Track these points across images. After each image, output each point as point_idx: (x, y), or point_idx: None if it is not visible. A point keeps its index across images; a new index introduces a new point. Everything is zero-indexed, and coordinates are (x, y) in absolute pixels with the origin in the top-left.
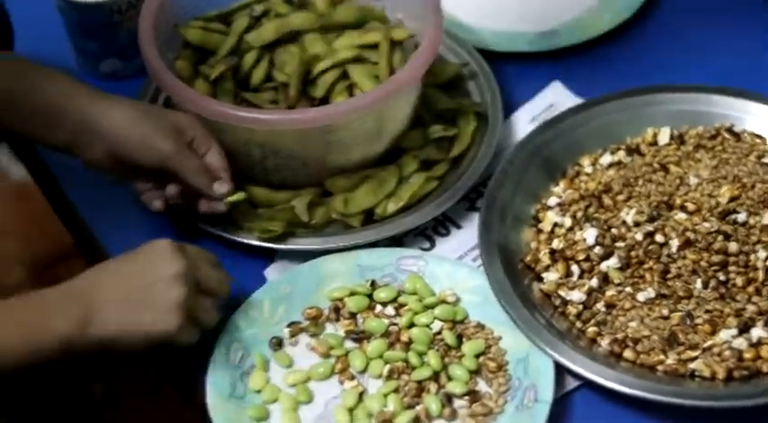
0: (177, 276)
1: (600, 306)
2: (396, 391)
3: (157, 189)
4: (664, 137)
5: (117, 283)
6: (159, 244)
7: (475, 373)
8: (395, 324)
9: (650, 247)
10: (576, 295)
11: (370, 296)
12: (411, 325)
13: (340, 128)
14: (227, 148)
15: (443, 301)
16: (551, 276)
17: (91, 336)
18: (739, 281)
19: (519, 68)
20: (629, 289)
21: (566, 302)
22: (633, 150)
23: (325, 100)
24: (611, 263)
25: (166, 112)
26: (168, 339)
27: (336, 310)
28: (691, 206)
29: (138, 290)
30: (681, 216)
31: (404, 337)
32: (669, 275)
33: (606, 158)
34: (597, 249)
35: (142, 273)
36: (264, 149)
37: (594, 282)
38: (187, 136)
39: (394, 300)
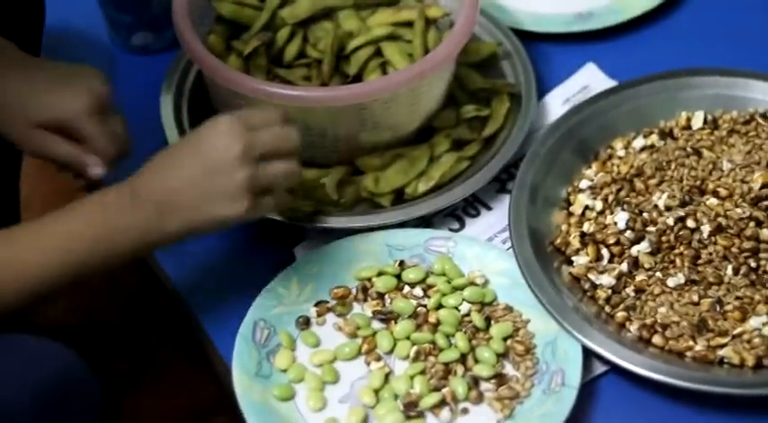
0: (239, 157)
1: (629, 291)
2: (422, 372)
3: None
4: (697, 121)
5: (180, 175)
6: (217, 124)
7: (502, 356)
8: (423, 305)
9: (681, 233)
10: (606, 279)
11: (398, 276)
12: (439, 306)
13: (373, 106)
14: None
15: (472, 283)
16: (581, 260)
17: (165, 231)
18: None
19: (554, 50)
20: (659, 274)
21: (595, 286)
22: (666, 134)
23: (358, 77)
24: (642, 247)
25: (80, 70)
26: (242, 220)
27: (364, 289)
28: (723, 191)
29: (203, 179)
30: (713, 201)
31: (431, 319)
32: (700, 261)
33: (639, 142)
34: (628, 233)
35: (204, 160)
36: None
37: (624, 266)
38: (96, 101)
39: (422, 281)
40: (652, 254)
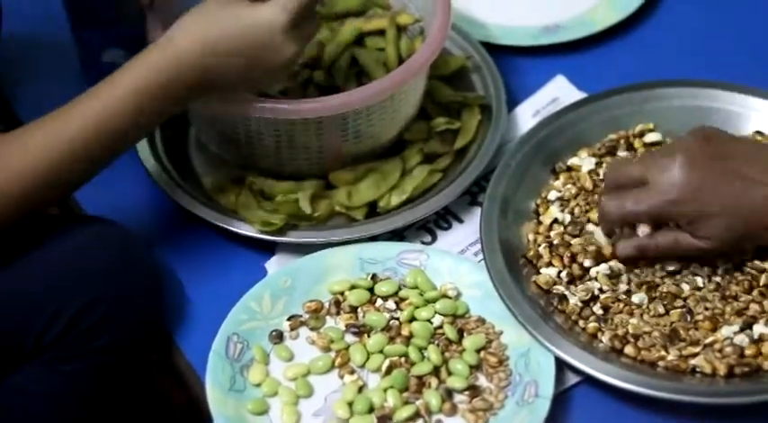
0: (287, 32)
1: (596, 309)
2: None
3: None
4: (654, 137)
5: (227, 43)
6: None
7: (475, 368)
8: (396, 318)
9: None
10: (573, 298)
11: (371, 290)
12: (412, 319)
13: (355, 115)
14: (239, 140)
15: (444, 296)
16: (550, 272)
17: (213, 84)
18: (741, 287)
19: (523, 62)
20: (622, 291)
21: (565, 298)
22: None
23: (334, 88)
24: (601, 269)
25: None
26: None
27: (337, 303)
28: None
29: (248, 50)
30: None
31: (404, 332)
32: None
33: (591, 160)
34: (592, 249)
35: (247, 32)
36: (280, 140)
37: (591, 284)
38: None
39: (395, 294)
40: (609, 277)
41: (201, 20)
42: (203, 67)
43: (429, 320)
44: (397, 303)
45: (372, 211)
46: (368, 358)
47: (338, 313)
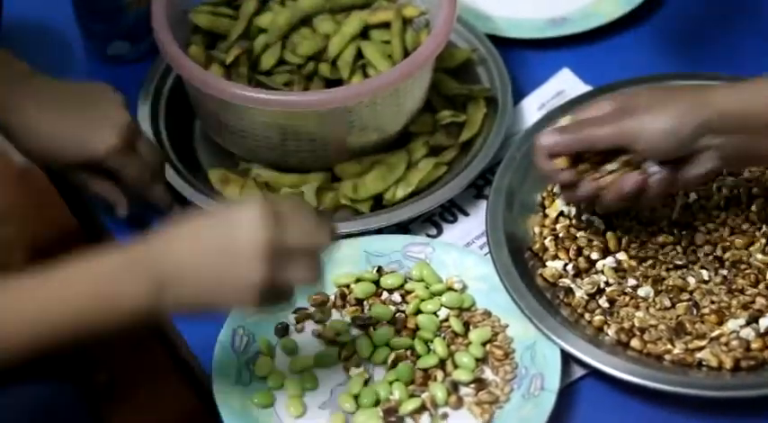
0: (262, 251)
1: (602, 302)
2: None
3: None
4: None
5: (194, 250)
6: (246, 207)
7: (481, 360)
8: (401, 311)
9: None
10: (579, 291)
11: (376, 282)
12: (417, 312)
13: (360, 108)
14: (244, 132)
15: (450, 288)
16: (556, 265)
17: (161, 308)
18: (747, 280)
19: (528, 55)
20: (629, 285)
21: (571, 291)
22: None
23: (338, 81)
24: (608, 262)
25: (99, 99)
26: (251, 311)
27: (343, 296)
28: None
29: (217, 262)
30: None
31: (410, 324)
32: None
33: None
34: (598, 242)
35: (222, 242)
36: (285, 132)
37: (597, 277)
38: (124, 138)
39: (400, 286)
40: (616, 270)
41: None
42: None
43: (435, 313)
44: (402, 296)
45: (378, 203)
46: (374, 351)
47: (344, 306)
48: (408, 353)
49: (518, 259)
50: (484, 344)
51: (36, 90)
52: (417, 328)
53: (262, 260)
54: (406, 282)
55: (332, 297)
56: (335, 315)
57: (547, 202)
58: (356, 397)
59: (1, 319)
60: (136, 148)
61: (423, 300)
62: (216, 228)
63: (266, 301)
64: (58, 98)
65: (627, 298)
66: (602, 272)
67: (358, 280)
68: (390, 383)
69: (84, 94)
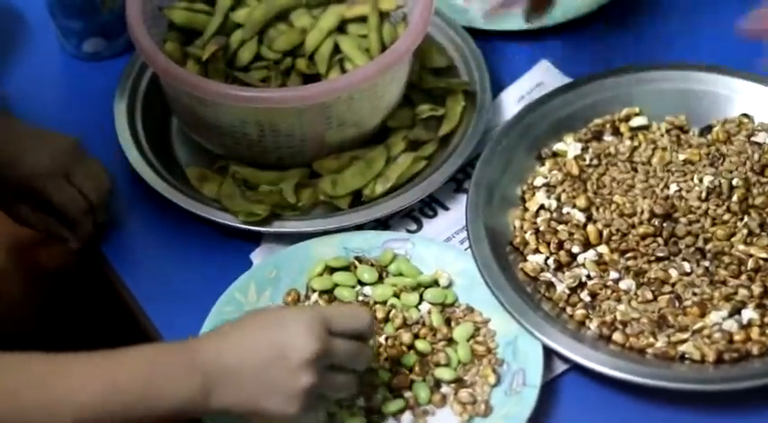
0: (309, 362)
1: (584, 296)
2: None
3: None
4: (640, 120)
5: (244, 356)
6: (302, 317)
7: (464, 358)
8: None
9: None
10: (560, 285)
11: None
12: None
13: (337, 103)
14: (221, 130)
15: (436, 282)
16: (537, 259)
17: (207, 408)
18: (729, 271)
19: (507, 47)
20: (611, 278)
21: (552, 285)
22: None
23: (316, 75)
24: (589, 255)
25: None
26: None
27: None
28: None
29: (263, 368)
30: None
31: (397, 321)
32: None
33: (577, 145)
34: (579, 235)
35: (270, 349)
36: (262, 128)
37: (577, 271)
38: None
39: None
40: (597, 263)
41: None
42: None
43: (416, 307)
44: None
45: (357, 199)
46: None
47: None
48: (390, 349)
49: (499, 254)
50: (467, 340)
51: None
52: (399, 325)
53: (310, 366)
54: (386, 276)
55: (314, 296)
56: None
57: (527, 196)
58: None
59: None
60: (73, 175)
61: (399, 293)
62: (264, 334)
63: (308, 407)
64: (11, 128)
65: (608, 291)
66: (584, 265)
67: (337, 282)
68: (372, 383)
69: (33, 131)
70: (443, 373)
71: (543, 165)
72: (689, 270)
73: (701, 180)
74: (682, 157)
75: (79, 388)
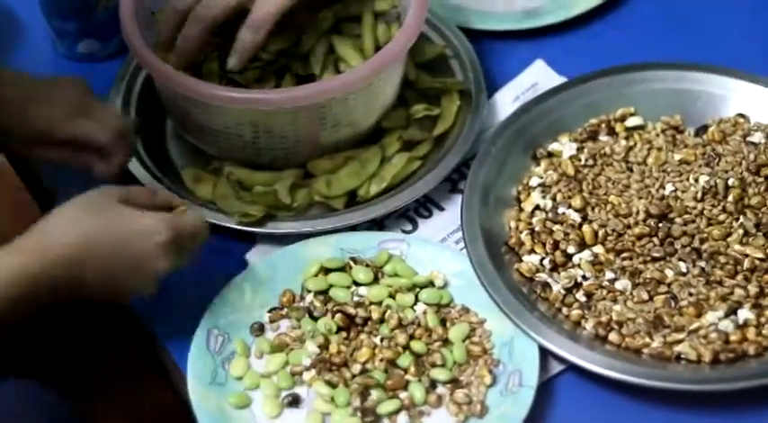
0: (165, 246)
1: (579, 296)
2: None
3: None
4: (635, 120)
5: (104, 250)
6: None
7: (459, 358)
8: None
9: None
10: (556, 285)
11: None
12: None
13: (332, 104)
14: (216, 131)
15: (431, 282)
16: (533, 259)
17: (79, 293)
18: (725, 271)
19: (502, 47)
20: (607, 278)
21: (548, 285)
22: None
23: (309, 76)
24: (584, 256)
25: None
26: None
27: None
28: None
29: (126, 258)
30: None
31: (393, 322)
32: (640, 261)
33: (572, 145)
34: (574, 235)
35: (130, 241)
36: (257, 129)
37: (573, 272)
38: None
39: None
40: (593, 263)
41: (82, 219)
42: (78, 265)
43: (412, 307)
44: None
45: (352, 200)
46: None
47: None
48: (386, 352)
49: (494, 254)
50: (463, 341)
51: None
52: (395, 326)
53: (165, 252)
54: (381, 276)
55: (309, 297)
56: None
57: (522, 196)
58: (332, 397)
59: None
60: (90, 112)
61: (394, 294)
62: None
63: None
64: (19, 82)
65: (604, 291)
66: (579, 265)
67: (333, 283)
68: (367, 384)
69: (43, 81)
70: (439, 374)
71: (538, 165)
72: (685, 270)
73: (696, 180)
74: (677, 157)
75: None
